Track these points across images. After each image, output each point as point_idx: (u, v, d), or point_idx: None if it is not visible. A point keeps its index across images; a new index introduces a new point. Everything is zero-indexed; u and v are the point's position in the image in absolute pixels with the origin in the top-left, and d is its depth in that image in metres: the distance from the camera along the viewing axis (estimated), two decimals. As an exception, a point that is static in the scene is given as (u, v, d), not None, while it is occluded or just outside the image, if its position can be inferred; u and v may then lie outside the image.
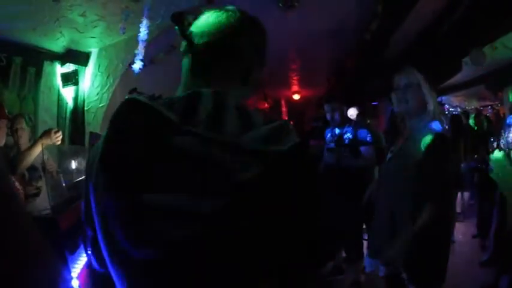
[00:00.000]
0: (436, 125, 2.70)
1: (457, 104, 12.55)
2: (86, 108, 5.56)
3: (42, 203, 3.27)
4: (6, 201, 0.69)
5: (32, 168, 3.52)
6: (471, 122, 8.34)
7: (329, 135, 4.92)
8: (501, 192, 4.72)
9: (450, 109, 12.43)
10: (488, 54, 6.15)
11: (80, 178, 3.65)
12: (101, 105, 5.69)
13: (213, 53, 1.19)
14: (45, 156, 3.45)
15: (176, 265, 0.93)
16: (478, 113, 8.06)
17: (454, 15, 5.36)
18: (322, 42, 7.15)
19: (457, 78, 8.12)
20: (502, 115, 9.61)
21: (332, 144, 4.79)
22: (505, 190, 4.62)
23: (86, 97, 5.52)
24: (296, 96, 13.54)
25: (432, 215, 2.63)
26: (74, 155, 3.80)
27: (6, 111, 3.46)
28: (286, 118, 13.82)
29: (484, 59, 6.06)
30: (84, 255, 2.95)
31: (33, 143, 3.53)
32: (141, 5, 4.38)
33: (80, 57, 5.24)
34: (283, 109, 14.82)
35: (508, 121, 4.60)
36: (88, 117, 5.61)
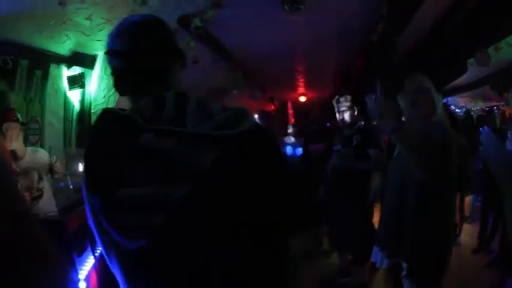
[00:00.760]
0: (442, 126, 2.73)
1: (463, 105, 12.52)
2: (92, 111, 5.57)
3: (45, 206, 3.29)
4: (12, 203, 0.70)
5: (32, 170, 3.53)
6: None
7: (338, 136, 4.92)
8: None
9: (456, 110, 12.40)
10: (493, 55, 6.14)
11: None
12: (107, 108, 5.70)
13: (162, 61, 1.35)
14: (53, 159, 3.47)
15: (161, 249, 1.02)
16: (489, 112, 8.02)
17: (458, 17, 5.35)
18: (328, 45, 7.16)
19: (463, 79, 8.11)
20: (507, 115, 9.58)
21: (339, 146, 4.78)
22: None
23: (92, 100, 5.54)
24: (302, 99, 13.54)
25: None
26: (81, 158, 3.81)
27: (19, 115, 3.49)
28: (293, 120, 13.82)
29: (489, 59, 6.04)
30: (92, 257, 2.96)
31: None
32: (147, 8, 4.39)
33: (86, 60, 5.26)
34: (290, 111, 14.80)
35: None
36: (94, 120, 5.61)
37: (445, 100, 10.42)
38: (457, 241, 5.86)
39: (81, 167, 3.70)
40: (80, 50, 5.12)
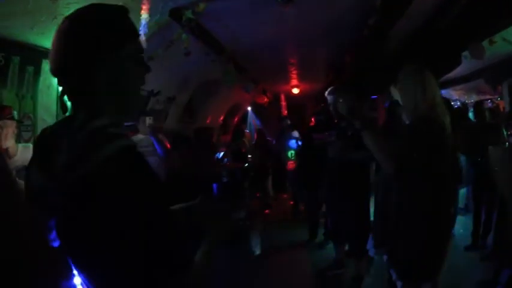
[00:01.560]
0: (420, 119, 2.73)
1: (457, 97, 12.53)
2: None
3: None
4: (12, 207, 0.69)
5: (24, 167, 3.52)
6: (470, 115, 8.33)
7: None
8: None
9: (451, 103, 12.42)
10: (488, 49, 6.14)
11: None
12: (99, 103, 5.69)
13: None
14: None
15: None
16: (479, 104, 8.02)
17: (453, 9, 5.34)
18: (320, 37, 7.15)
19: (457, 72, 8.11)
20: (501, 109, 9.59)
21: (334, 137, 4.78)
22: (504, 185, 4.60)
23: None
24: (295, 91, 13.53)
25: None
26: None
27: (15, 112, 3.47)
28: (286, 112, 13.83)
29: (483, 52, 6.05)
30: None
31: None
32: (139, 1, 4.37)
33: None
34: (283, 103, 14.80)
35: None
36: (87, 115, 5.60)
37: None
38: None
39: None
40: (72, 45, 5.09)
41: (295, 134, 9.11)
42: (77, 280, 2.42)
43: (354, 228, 4.74)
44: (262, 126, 14.17)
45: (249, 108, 14.67)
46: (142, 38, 4.80)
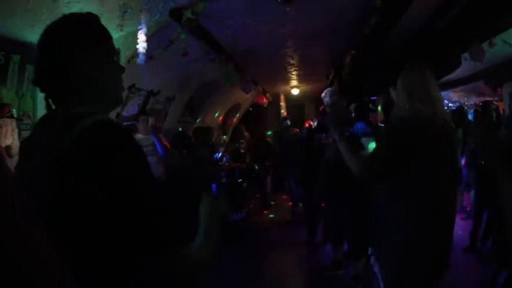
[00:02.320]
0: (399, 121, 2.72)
1: (457, 99, 12.54)
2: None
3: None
4: (7, 200, 0.69)
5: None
6: (470, 116, 8.35)
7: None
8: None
9: (449, 104, 12.42)
10: (487, 51, 6.15)
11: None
12: (99, 102, 5.69)
13: None
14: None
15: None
16: (486, 104, 8.01)
17: (453, 11, 5.35)
18: (320, 37, 7.15)
19: (456, 73, 8.12)
20: (501, 111, 9.60)
21: (331, 139, 4.79)
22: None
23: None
24: (295, 91, 13.52)
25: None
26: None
27: (14, 110, 3.47)
28: (286, 113, 13.81)
29: (483, 54, 6.05)
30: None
31: None
32: (139, 1, 4.37)
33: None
34: (282, 104, 14.78)
35: None
36: (87, 114, 5.60)
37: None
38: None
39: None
40: (72, 44, 5.09)
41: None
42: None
43: (351, 229, 4.75)
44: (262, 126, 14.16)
45: (251, 109, 14.66)
46: (143, 37, 4.80)
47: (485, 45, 6.10)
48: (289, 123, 9.53)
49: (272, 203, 10.29)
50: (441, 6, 5.42)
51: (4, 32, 4.23)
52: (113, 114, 6.39)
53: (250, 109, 14.45)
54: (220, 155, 8.62)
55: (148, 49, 5.11)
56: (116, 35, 5.22)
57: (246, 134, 10.27)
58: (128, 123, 6.83)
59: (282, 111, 14.48)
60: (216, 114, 11.79)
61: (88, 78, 1.31)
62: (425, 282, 2.65)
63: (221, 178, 7.62)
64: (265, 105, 13.88)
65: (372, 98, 10.67)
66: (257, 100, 13.14)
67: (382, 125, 5.65)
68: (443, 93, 11.42)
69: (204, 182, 5.35)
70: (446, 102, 12.24)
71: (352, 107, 6.16)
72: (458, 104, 12.26)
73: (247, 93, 9.86)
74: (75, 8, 4.36)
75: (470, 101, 12.10)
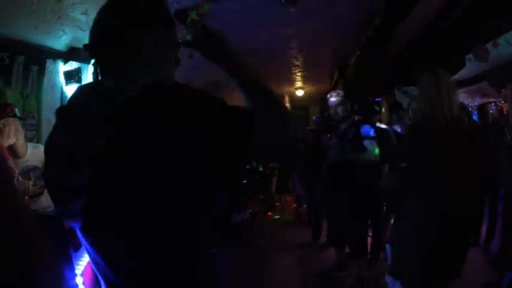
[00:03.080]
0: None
1: (461, 100, 12.52)
2: (89, 106, 5.56)
3: (46, 202, 3.28)
4: (8, 201, 0.69)
5: (35, 167, 3.52)
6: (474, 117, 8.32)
7: (333, 130, 4.93)
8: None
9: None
10: (492, 51, 6.13)
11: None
12: (104, 103, 5.71)
13: None
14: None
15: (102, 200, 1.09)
16: (482, 106, 8.02)
17: (457, 11, 5.34)
18: (324, 38, 7.15)
19: (460, 74, 8.09)
20: (505, 112, 9.56)
21: (334, 140, 4.79)
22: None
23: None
24: (300, 92, 13.51)
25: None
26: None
27: (17, 109, 3.47)
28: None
29: (487, 55, 6.04)
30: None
31: None
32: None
33: (82, 55, 5.23)
34: (287, 105, 14.76)
35: None
36: (91, 115, 5.62)
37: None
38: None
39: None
40: (76, 44, 5.10)
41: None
42: (79, 280, 2.42)
43: (354, 229, 4.75)
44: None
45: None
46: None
47: (489, 45, 6.08)
48: (293, 124, 9.51)
49: (277, 204, 10.29)
50: (445, 7, 5.41)
51: (8, 32, 4.24)
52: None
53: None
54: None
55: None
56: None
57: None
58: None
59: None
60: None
61: (145, 57, 1.31)
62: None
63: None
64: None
65: (377, 99, 10.67)
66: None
67: (385, 126, 5.64)
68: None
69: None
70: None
71: (355, 106, 6.17)
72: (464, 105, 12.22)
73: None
74: (80, 9, 4.37)
75: (475, 102, 12.07)
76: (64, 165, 1.13)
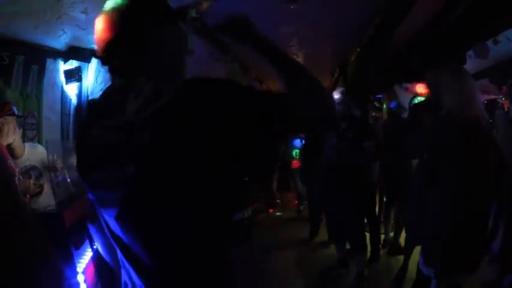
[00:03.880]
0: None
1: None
2: (89, 105, 5.57)
3: (45, 201, 3.29)
4: (10, 199, 0.70)
5: (33, 167, 3.53)
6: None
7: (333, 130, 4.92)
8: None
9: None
10: (492, 48, 6.12)
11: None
12: (104, 101, 5.71)
13: None
14: (51, 155, 3.46)
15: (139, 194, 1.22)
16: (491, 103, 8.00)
17: (458, 8, 5.33)
18: (325, 36, 7.14)
19: (461, 71, 8.08)
20: (506, 109, 9.54)
21: (334, 140, 4.79)
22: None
23: (89, 93, 5.53)
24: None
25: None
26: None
27: (15, 108, 3.46)
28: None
29: (487, 52, 6.03)
30: (90, 249, 2.96)
31: None
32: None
33: (82, 54, 5.23)
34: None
35: None
36: (92, 113, 5.62)
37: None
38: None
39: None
40: (76, 43, 5.09)
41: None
42: (80, 278, 2.43)
43: (354, 226, 4.77)
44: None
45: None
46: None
47: (489, 42, 6.07)
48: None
49: (278, 201, 10.28)
50: (445, 4, 5.41)
51: (8, 32, 4.24)
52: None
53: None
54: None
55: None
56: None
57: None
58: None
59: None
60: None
61: (159, 57, 1.36)
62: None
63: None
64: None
65: (378, 96, 10.67)
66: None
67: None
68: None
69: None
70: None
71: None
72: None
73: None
74: (79, 8, 4.37)
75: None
76: (104, 161, 1.25)
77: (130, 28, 1.33)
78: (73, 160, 3.66)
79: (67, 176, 3.36)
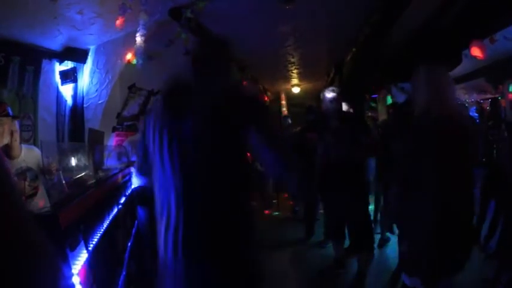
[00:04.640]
0: None
1: (457, 96, 12.53)
2: (85, 105, 5.56)
3: (39, 202, 3.27)
4: (7, 200, 0.69)
5: (29, 169, 3.50)
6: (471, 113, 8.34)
7: (328, 127, 4.91)
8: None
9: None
10: (489, 47, 6.13)
11: (80, 175, 3.66)
12: (100, 102, 5.70)
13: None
14: (46, 157, 3.44)
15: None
16: (494, 101, 8.02)
17: (454, 7, 5.34)
18: (320, 36, 7.15)
19: (457, 70, 8.10)
20: (503, 108, 9.57)
21: (330, 138, 4.77)
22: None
23: (84, 94, 5.53)
24: (296, 89, 13.54)
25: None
26: (73, 152, 3.80)
27: (9, 108, 3.43)
28: (286, 111, 13.85)
29: (484, 51, 6.04)
30: (85, 251, 2.95)
31: None
32: (139, 1, 4.37)
33: (78, 55, 5.23)
34: (283, 102, 14.81)
35: None
36: (87, 114, 5.62)
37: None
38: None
39: (73, 162, 3.70)
40: (72, 44, 5.09)
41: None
42: (76, 280, 2.41)
43: (353, 225, 4.76)
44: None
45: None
46: (142, 38, 4.79)
47: (486, 41, 6.09)
48: (290, 121, 9.51)
49: (273, 201, 10.27)
50: (442, 3, 5.42)
51: (4, 33, 4.23)
52: (113, 115, 6.41)
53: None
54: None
55: (148, 49, 5.11)
56: (115, 35, 5.22)
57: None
58: (129, 123, 6.84)
59: (283, 109, 14.51)
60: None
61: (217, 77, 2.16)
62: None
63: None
64: (266, 104, 13.94)
65: (373, 95, 10.68)
66: (258, 98, 13.19)
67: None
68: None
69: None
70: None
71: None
72: (459, 101, 12.23)
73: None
74: (75, 9, 4.36)
75: (471, 98, 12.10)
76: (171, 137, 1.96)
77: (205, 57, 2.21)
78: (68, 162, 3.65)
79: (62, 177, 3.35)
